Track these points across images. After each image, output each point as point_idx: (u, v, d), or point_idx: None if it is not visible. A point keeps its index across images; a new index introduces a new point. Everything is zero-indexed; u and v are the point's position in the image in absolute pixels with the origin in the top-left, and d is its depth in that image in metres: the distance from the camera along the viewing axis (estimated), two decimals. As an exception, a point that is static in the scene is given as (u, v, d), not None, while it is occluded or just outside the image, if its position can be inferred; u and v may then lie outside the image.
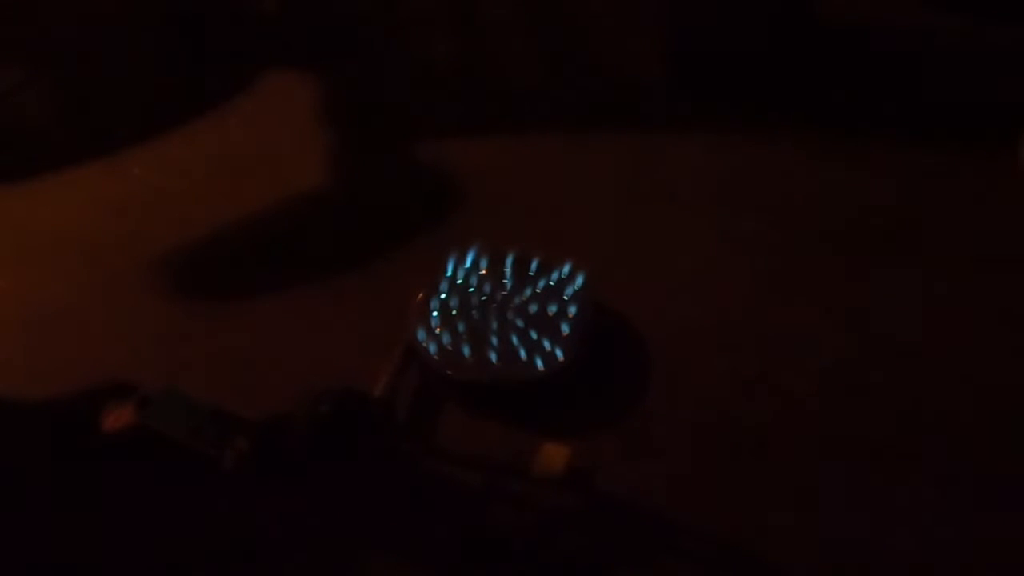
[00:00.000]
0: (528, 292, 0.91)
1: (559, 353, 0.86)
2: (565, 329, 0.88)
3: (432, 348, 0.87)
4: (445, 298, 0.91)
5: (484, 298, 0.91)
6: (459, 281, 0.93)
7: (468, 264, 0.94)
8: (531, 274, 0.93)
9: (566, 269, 0.92)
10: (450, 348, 0.87)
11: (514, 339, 0.87)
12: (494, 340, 0.87)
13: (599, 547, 0.73)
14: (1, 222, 1.11)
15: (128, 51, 1.26)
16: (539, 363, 0.85)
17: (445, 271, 0.93)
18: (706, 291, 0.95)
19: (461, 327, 0.89)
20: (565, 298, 0.90)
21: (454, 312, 0.90)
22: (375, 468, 0.80)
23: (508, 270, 0.93)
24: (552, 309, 0.90)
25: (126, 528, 0.78)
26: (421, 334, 0.88)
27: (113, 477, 0.82)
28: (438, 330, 0.88)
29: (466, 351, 0.86)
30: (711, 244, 1.00)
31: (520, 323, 0.89)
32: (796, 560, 0.73)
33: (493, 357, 0.86)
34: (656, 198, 1.07)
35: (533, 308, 0.90)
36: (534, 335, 0.87)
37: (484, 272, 0.93)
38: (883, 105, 1.16)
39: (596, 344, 0.88)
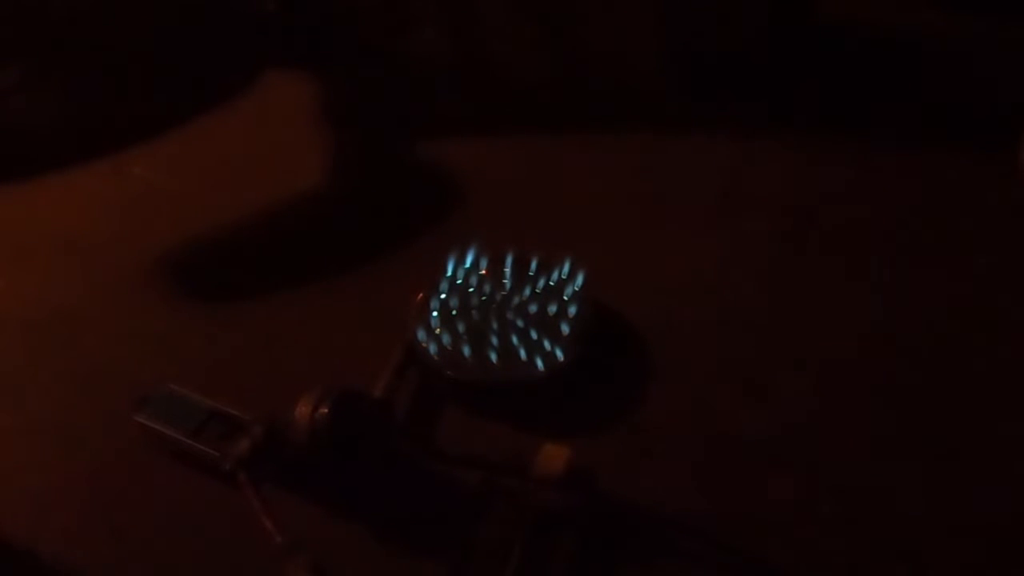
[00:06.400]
0: (528, 292, 0.91)
1: (559, 353, 0.86)
2: (565, 329, 0.88)
3: (432, 348, 0.87)
4: (445, 298, 0.91)
5: (484, 298, 0.91)
6: (459, 281, 0.93)
7: (468, 264, 0.94)
8: (531, 274, 0.93)
9: (566, 269, 0.92)
10: (450, 348, 0.87)
11: (514, 339, 0.87)
12: (494, 340, 0.87)
13: (599, 547, 0.73)
14: (1, 222, 1.11)
15: (128, 51, 1.26)
16: (539, 363, 0.85)
17: (445, 271, 0.93)
18: (706, 291, 0.95)
19: (461, 327, 0.89)
20: (565, 298, 0.90)
21: (454, 312, 0.90)
22: (375, 468, 0.80)
23: (508, 270, 0.93)
24: (552, 309, 0.90)
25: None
26: (421, 334, 0.88)
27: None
28: (438, 330, 0.88)
29: (466, 351, 0.86)
30: (711, 244, 1.00)
31: (520, 323, 0.89)
32: (796, 560, 0.73)
33: (493, 357, 0.86)
34: (656, 198, 1.07)
35: (533, 308, 0.90)
36: (534, 335, 0.87)
37: (484, 272, 0.93)
38: (883, 105, 1.16)
39: (596, 344, 0.88)
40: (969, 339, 0.88)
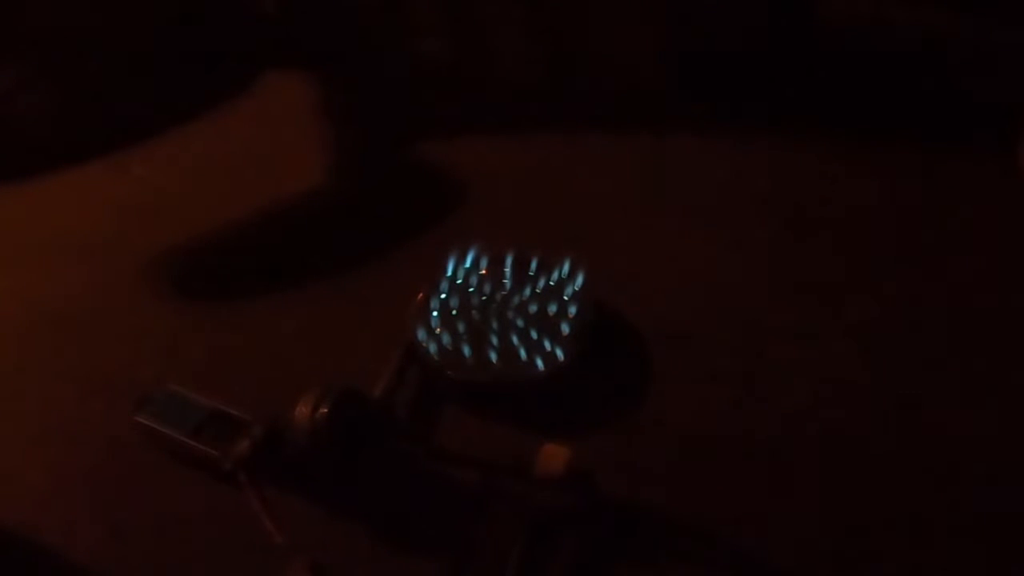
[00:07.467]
0: (528, 292, 0.91)
1: (559, 353, 0.86)
2: (565, 329, 0.88)
3: (432, 348, 0.87)
4: (445, 298, 0.91)
5: (484, 298, 0.91)
6: (459, 281, 0.93)
7: (468, 264, 0.94)
8: (531, 274, 0.93)
9: (566, 269, 0.92)
10: (450, 348, 0.87)
11: (514, 339, 0.87)
12: (494, 340, 0.87)
13: (599, 547, 0.73)
14: (1, 222, 1.11)
15: (128, 51, 1.26)
16: (539, 363, 0.85)
17: (445, 271, 0.93)
18: (706, 291, 0.95)
19: (461, 327, 0.89)
20: (565, 298, 0.90)
21: (454, 312, 0.90)
22: (375, 468, 0.80)
23: (508, 270, 0.93)
24: (552, 309, 0.90)
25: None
26: (421, 334, 0.88)
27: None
28: (438, 330, 0.88)
29: (466, 351, 0.86)
30: (711, 244, 1.00)
31: (520, 323, 0.89)
32: (796, 560, 0.73)
33: (493, 357, 0.86)
34: (656, 198, 1.07)
35: (533, 308, 0.90)
36: (534, 335, 0.87)
37: (484, 272, 0.93)
38: (883, 105, 1.16)
39: (596, 344, 0.88)
40: (969, 339, 0.88)
